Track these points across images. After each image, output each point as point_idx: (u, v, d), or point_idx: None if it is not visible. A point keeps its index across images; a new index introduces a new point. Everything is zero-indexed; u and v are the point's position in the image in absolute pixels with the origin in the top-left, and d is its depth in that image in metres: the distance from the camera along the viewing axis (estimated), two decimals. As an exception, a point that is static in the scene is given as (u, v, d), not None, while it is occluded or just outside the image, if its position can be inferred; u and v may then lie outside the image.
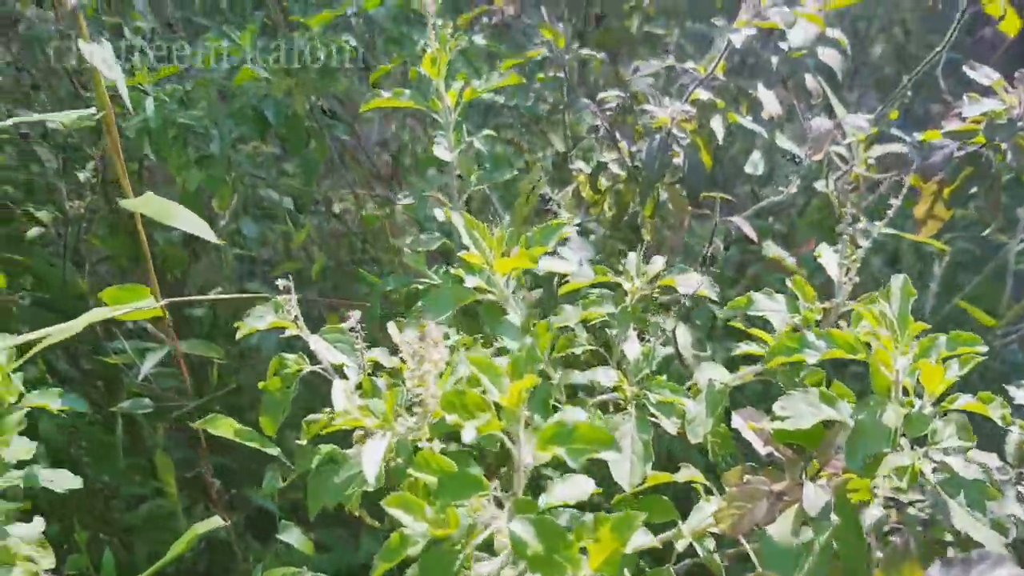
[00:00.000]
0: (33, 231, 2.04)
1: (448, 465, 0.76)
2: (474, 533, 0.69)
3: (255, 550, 1.92)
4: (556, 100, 1.68)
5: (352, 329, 0.92)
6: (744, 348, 0.98)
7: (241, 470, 1.94)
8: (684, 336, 1.26)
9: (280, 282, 0.92)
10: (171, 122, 1.47)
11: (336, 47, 1.47)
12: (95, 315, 1.10)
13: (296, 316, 0.93)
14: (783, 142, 1.75)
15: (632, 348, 0.98)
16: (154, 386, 1.86)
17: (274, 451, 1.17)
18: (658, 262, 1.04)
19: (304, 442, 1.02)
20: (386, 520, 1.18)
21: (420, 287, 1.15)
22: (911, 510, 0.91)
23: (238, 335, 0.97)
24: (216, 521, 1.45)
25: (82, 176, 1.99)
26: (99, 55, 0.99)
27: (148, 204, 1.01)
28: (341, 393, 0.94)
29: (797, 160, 1.46)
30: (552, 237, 0.96)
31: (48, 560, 1.19)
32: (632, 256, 1.05)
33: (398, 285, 1.19)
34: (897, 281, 0.82)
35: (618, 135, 1.35)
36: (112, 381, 2.06)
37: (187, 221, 1.00)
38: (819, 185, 1.68)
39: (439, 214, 1.24)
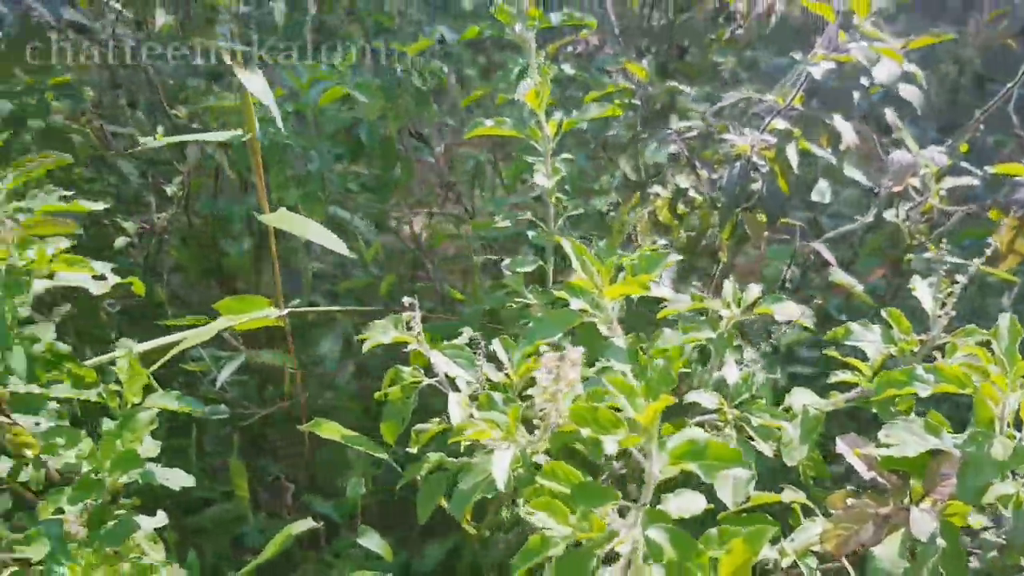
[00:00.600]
0: (120, 240, 2.12)
1: (575, 475, 0.81)
2: (609, 538, 0.74)
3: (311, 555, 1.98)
4: (630, 129, 1.73)
5: (469, 345, 0.98)
6: (840, 376, 1.02)
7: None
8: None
9: (406, 299, 0.98)
10: (276, 143, 1.54)
11: (430, 73, 1.54)
12: (221, 323, 1.17)
13: (418, 332, 0.99)
14: (851, 172, 1.79)
15: (732, 372, 1.02)
16: (228, 393, 1.93)
17: (382, 455, 1.22)
18: (754, 290, 1.09)
19: (415, 450, 1.07)
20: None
21: (518, 305, 1.20)
22: (986, 535, 0.95)
23: (365, 347, 1.03)
24: (309, 523, 1.52)
25: (169, 190, 2.07)
26: (255, 83, 1.06)
27: (283, 219, 1.08)
28: (457, 406, 1.00)
29: (875, 190, 1.51)
30: (658, 265, 1.01)
31: (159, 553, 1.25)
32: (728, 284, 1.10)
33: (497, 304, 1.25)
34: (1004, 320, 0.86)
35: (697, 163, 1.41)
36: (188, 387, 2.13)
37: (319, 235, 1.07)
38: (888, 215, 1.72)
39: (531, 235, 1.30)
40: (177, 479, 1.23)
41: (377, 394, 1.08)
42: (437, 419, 1.08)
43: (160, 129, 2.04)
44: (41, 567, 0.99)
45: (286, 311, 1.23)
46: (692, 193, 1.53)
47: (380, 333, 1.02)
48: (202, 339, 1.15)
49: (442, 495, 1.08)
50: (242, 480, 1.90)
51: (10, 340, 0.96)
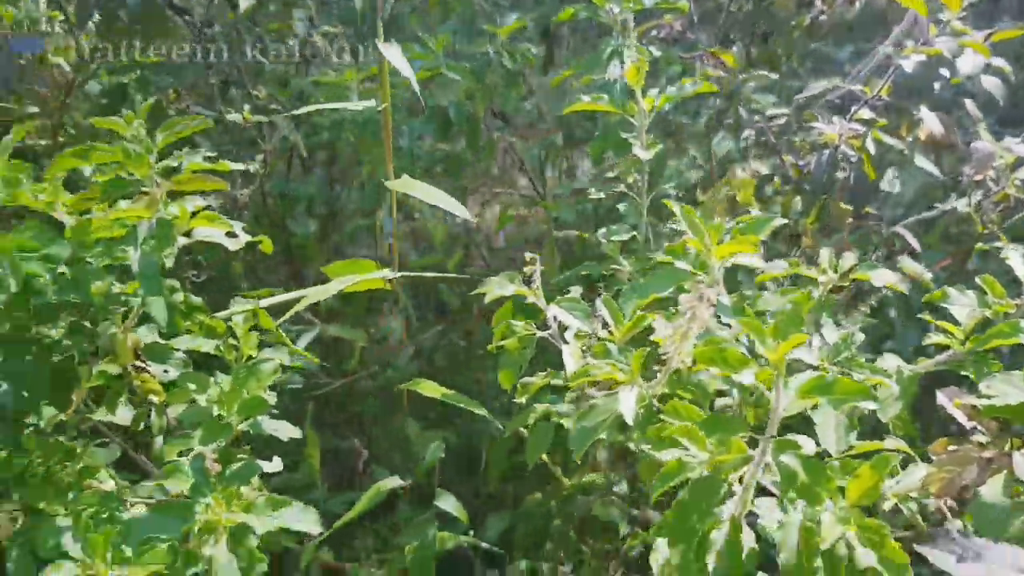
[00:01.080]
0: (206, 212, 2.20)
1: (696, 412, 0.87)
2: (744, 462, 0.80)
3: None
4: (709, 115, 1.79)
5: (584, 297, 1.04)
6: (935, 338, 1.08)
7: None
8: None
9: (527, 255, 1.04)
10: (370, 118, 1.62)
11: (520, 55, 1.61)
12: (336, 285, 1.23)
13: (536, 286, 1.06)
14: (921, 162, 1.83)
15: (830, 332, 1.08)
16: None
17: (481, 411, 1.29)
18: (849, 258, 1.15)
19: (523, 401, 1.14)
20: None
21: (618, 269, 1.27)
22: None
23: (486, 299, 1.09)
24: (395, 480, 1.59)
25: (252, 167, 2.16)
26: (394, 54, 1.13)
27: (407, 184, 1.15)
28: (571, 355, 1.07)
29: (959, 179, 1.56)
30: (765, 228, 1.07)
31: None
32: (824, 251, 1.16)
33: (593, 271, 1.32)
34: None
35: (782, 149, 1.46)
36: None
37: (444, 201, 1.14)
38: (960, 204, 1.77)
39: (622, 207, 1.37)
40: (285, 430, 1.30)
41: (490, 346, 1.15)
42: (543, 372, 1.15)
43: (247, 107, 2.13)
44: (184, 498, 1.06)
45: (398, 274, 1.29)
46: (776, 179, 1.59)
47: (498, 287, 1.09)
48: (321, 297, 1.22)
49: (548, 443, 1.15)
50: (315, 449, 1.97)
51: (161, 289, 1.03)
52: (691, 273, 1.06)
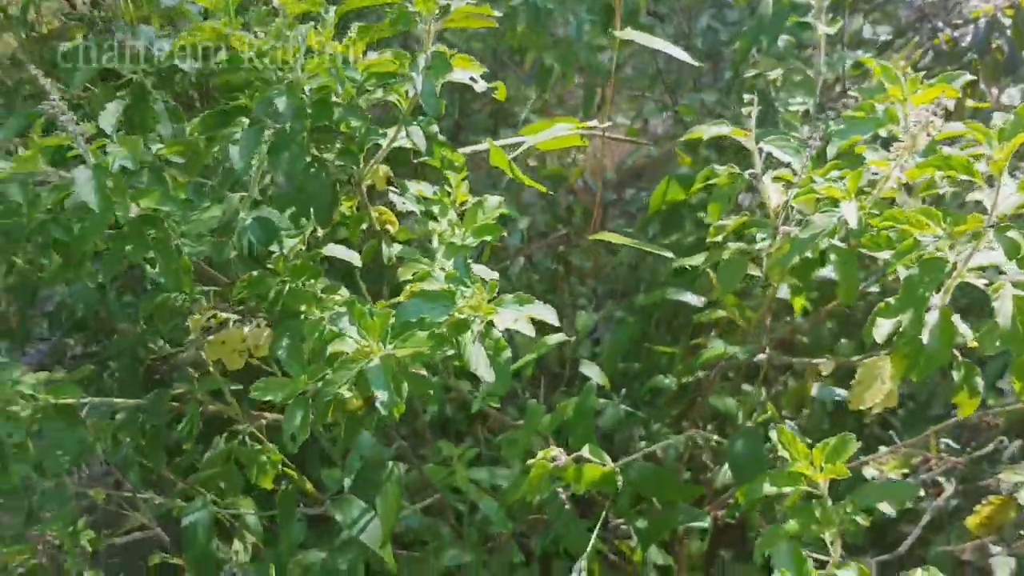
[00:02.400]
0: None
1: (902, 215, 1.03)
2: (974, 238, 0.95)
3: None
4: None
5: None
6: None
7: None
8: None
9: (746, 96, 1.20)
10: (540, 7, 1.76)
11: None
12: (544, 135, 1.39)
13: (750, 126, 1.21)
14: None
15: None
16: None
17: (667, 253, 1.44)
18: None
19: (720, 238, 1.30)
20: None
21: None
22: None
23: (705, 137, 1.25)
24: (561, 336, 1.75)
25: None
26: None
27: (633, 33, 1.30)
28: (774, 191, 1.22)
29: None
30: (956, 81, 1.21)
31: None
32: (996, 116, 1.29)
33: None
34: None
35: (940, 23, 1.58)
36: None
37: (664, 46, 1.29)
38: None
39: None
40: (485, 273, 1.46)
41: (693, 188, 1.31)
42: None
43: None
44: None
45: (605, 124, 1.44)
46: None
47: (710, 129, 1.24)
48: (534, 143, 1.38)
49: (741, 274, 1.31)
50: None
51: (438, 107, 1.17)
52: (888, 120, 1.21)
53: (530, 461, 1.56)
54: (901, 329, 0.97)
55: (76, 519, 1.42)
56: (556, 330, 1.75)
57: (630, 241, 1.52)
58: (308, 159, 1.20)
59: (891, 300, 0.99)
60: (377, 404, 1.17)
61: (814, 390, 1.74)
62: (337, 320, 1.19)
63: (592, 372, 1.95)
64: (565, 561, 2.06)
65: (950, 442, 1.70)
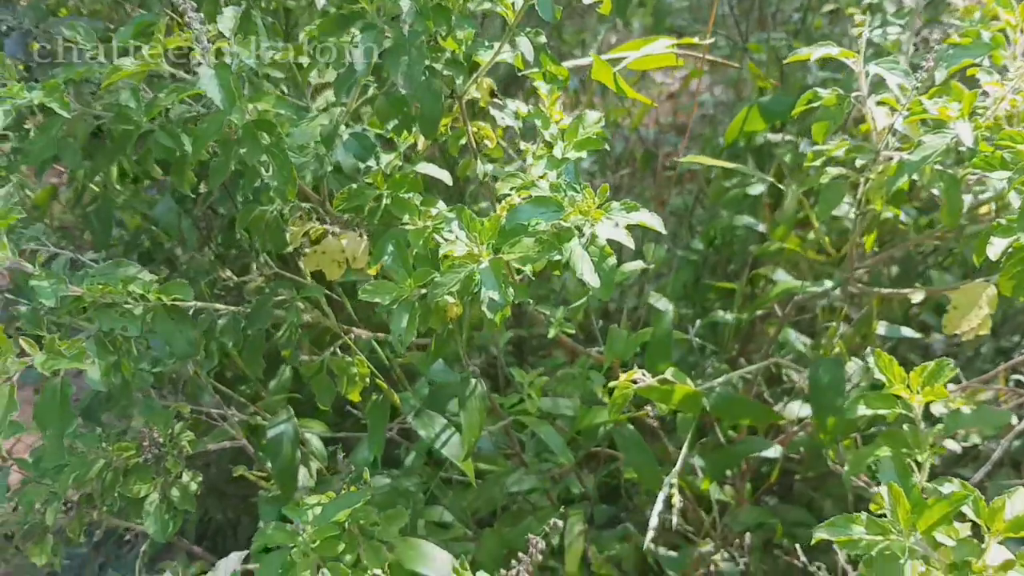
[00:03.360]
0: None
1: (1020, 135, 1.04)
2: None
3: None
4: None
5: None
6: None
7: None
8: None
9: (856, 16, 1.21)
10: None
11: None
12: (641, 53, 1.40)
13: (860, 48, 1.22)
14: None
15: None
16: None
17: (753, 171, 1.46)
18: None
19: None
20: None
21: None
22: None
23: (813, 58, 1.25)
24: (640, 263, 1.78)
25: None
26: None
27: None
28: (880, 114, 1.23)
29: None
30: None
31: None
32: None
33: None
34: None
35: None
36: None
37: None
38: None
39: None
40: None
41: (795, 110, 1.31)
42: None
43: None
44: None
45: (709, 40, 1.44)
46: None
47: (818, 49, 1.25)
48: (639, 57, 1.39)
49: (840, 199, 1.32)
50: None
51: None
52: (996, 45, 1.22)
53: (611, 384, 1.59)
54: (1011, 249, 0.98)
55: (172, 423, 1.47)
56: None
57: (718, 162, 1.54)
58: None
59: (1003, 220, 1.00)
60: (484, 308, 1.20)
61: (880, 328, 1.77)
62: (448, 224, 1.22)
63: (662, 304, 1.97)
64: (619, 495, 2.11)
65: (1021, 378, 1.71)
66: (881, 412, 1.10)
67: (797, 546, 1.42)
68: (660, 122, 2.99)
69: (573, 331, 1.72)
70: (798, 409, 1.81)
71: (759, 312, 1.95)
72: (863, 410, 1.10)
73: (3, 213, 1.15)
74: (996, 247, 1.03)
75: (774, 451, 1.74)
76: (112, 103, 1.36)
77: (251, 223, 1.49)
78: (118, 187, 1.68)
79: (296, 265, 1.56)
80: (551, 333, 1.72)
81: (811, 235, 1.73)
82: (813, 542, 0.92)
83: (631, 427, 1.85)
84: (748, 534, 1.76)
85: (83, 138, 1.39)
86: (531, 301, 1.49)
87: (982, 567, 0.88)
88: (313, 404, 1.61)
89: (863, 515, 0.87)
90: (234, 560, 1.07)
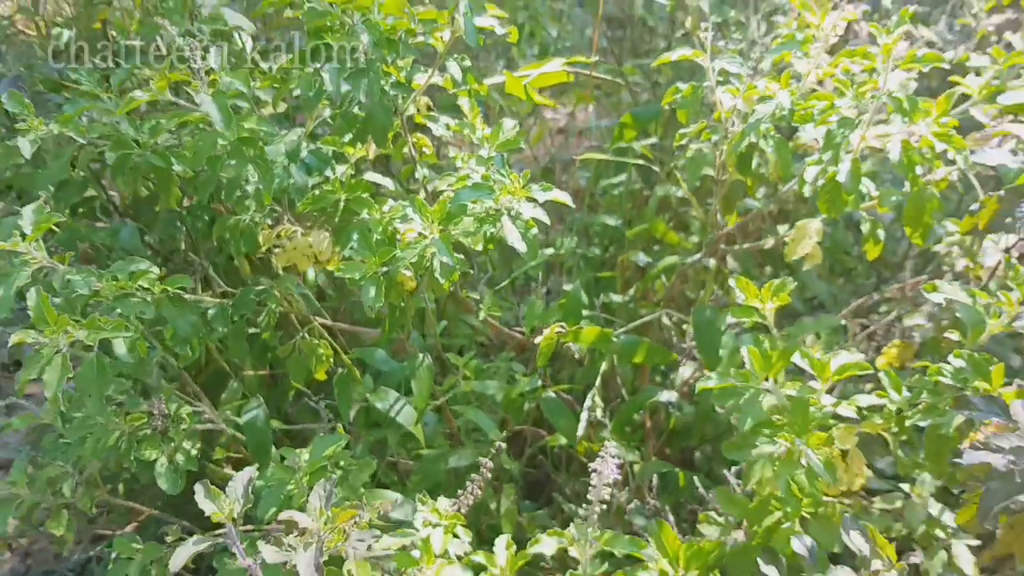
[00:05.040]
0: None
1: (823, 95, 1.47)
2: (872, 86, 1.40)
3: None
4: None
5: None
6: None
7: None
8: None
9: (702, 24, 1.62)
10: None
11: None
12: (533, 74, 1.78)
13: (707, 48, 1.63)
14: None
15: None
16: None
17: (639, 162, 1.86)
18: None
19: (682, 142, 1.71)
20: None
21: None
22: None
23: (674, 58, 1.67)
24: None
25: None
26: None
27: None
28: (727, 95, 1.65)
29: None
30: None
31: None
32: None
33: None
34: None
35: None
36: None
37: None
38: None
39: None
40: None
41: (665, 100, 1.72)
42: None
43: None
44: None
45: (593, 59, 1.84)
46: None
47: (676, 52, 1.66)
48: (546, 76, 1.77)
49: (703, 167, 1.73)
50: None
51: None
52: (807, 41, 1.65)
53: (538, 339, 1.93)
54: (823, 180, 1.40)
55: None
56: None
57: (607, 156, 1.93)
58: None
59: (815, 156, 1.42)
60: (437, 275, 1.53)
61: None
62: (403, 212, 1.56)
63: (571, 286, 2.34)
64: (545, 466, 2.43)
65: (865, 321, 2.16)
66: (743, 319, 1.49)
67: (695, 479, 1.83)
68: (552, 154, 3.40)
69: (499, 313, 2.06)
70: (687, 372, 2.20)
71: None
72: (731, 319, 1.48)
73: (44, 219, 1.42)
74: (809, 173, 1.44)
75: (668, 395, 2.11)
76: (109, 132, 1.63)
77: (228, 229, 1.77)
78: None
79: (264, 268, 1.86)
80: (481, 315, 2.06)
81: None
82: (699, 389, 1.29)
83: (553, 394, 2.18)
84: (655, 476, 2.11)
85: (85, 164, 1.66)
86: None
87: (816, 402, 1.26)
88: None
89: (732, 369, 1.25)
90: (249, 473, 1.32)
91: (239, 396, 2.04)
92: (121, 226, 2.17)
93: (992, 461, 0.99)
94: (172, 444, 1.67)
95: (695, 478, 1.94)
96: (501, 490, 2.25)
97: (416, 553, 1.36)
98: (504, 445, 2.01)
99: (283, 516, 1.22)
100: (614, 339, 1.86)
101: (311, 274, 2.04)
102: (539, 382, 2.08)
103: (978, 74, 1.68)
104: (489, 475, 1.58)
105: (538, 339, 1.83)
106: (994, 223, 1.44)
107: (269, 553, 1.20)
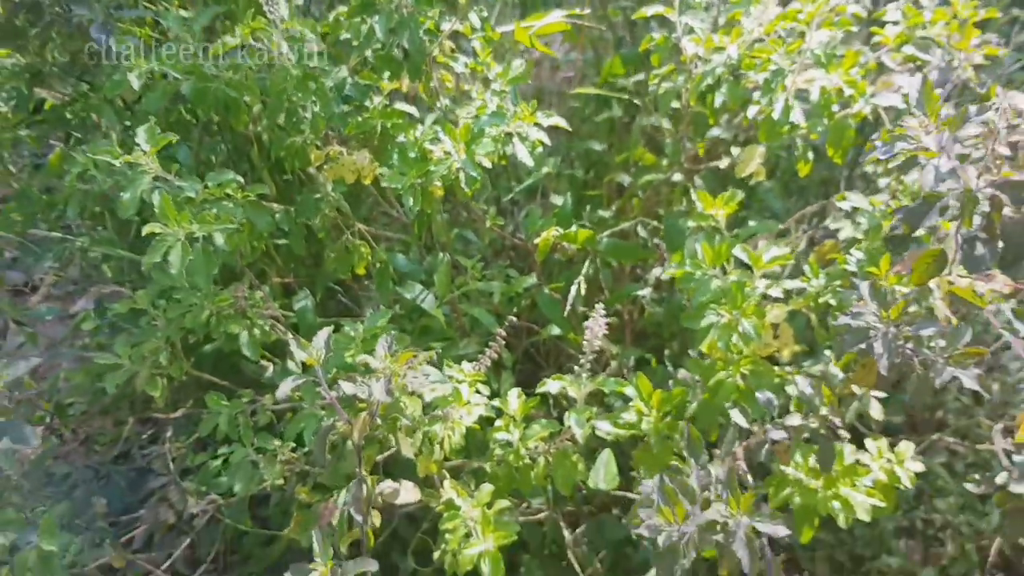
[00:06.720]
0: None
1: (762, 50, 1.89)
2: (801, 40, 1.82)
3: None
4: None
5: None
6: None
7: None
8: None
9: (674, -10, 2.02)
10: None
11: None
12: (539, 24, 2.18)
13: (676, 6, 2.04)
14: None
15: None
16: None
17: (623, 96, 2.29)
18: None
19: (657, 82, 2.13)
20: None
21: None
22: None
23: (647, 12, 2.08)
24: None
25: None
26: None
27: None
28: (690, 46, 2.06)
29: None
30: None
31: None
32: None
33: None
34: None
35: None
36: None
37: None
38: None
39: None
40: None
41: (642, 47, 2.13)
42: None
43: None
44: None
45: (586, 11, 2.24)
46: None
47: (651, 7, 2.06)
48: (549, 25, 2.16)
49: (671, 101, 2.15)
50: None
51: None
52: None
53: (537, 240, 2.37)
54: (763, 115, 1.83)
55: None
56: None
57: (599, 91, 2.34)
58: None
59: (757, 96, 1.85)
60: (463, 184, 1.95)
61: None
62: (435, 133, 1.97)
63: (560, 200, 2.76)
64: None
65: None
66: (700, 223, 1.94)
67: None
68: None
69: (502, 223, 2.49)
70: (659, 271, 2.66)
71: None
72: (691, 223, 1.93)
73: (159, 139, 1.81)
74: (751, 110, 1.88)
75: (644, 291, 2.57)
76: (192, 68, 2.02)
77: (286, 149, 2.17)
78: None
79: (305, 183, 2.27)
80: (487, 223, 2.49)
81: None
82: (666, 274, 1.75)
83: (547, 291, 2.62)
84: (631, 359, 2.58)
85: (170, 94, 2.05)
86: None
87: (751, 284, 1.72)
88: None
89: (689, 260, 1.71)
90: (328, 330, 1.75)
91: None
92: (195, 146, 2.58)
93: (847, 321, 1.47)
94: (249, 321, 2.10)
95: (665, 361, 2.41)
96: (500, 375, 2.71)
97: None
98: (504, 334, 2.47)
99: (359, 359, 1.66)
100: (599, 241, 2.30)
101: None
102: (535, 280, 2.51)
103: (895, 24, 2.10)
104: (503, 341, 2.02)
105: (537, 240, 2.27)
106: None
107: (347, 386, 1.65)
